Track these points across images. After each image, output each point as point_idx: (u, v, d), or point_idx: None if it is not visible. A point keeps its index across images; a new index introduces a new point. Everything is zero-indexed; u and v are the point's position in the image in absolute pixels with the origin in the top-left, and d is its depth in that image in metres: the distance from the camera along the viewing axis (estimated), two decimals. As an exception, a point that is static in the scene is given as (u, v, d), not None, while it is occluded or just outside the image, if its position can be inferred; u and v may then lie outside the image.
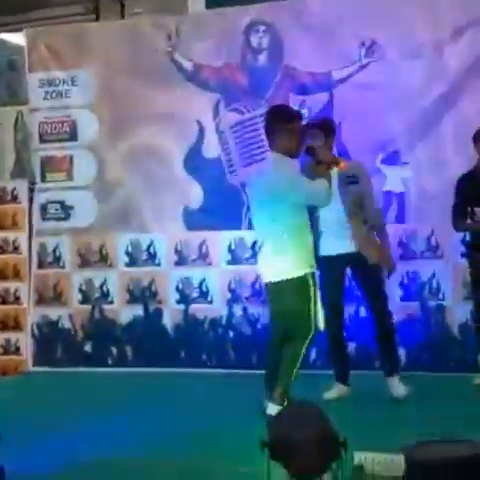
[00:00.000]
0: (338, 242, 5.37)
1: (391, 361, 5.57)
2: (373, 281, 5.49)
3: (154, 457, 3.95)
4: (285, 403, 4.47)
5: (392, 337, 5.57)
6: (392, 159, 6.65)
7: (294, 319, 4.79)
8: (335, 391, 5.50)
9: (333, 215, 5.33)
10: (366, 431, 4.04)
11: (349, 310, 6.37)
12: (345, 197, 5.38)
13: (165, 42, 7.30)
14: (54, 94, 7.63)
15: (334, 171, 5.28)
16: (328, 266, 5.34)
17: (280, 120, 4.98)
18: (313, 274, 4.85)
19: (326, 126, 5.54)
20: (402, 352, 6.21)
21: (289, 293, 4.80)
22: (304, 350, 4.79)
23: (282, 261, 4.79)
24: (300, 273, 4.78)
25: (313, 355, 6.41)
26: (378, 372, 5.86)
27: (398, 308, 6.28)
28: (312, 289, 4.79)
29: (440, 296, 6.54)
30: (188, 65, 7.25)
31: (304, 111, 6.79)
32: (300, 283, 4.77)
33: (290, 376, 4.76)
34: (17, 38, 9.63)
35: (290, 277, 4.77)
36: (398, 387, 5.42)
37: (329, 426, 3.19)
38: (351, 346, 6.39)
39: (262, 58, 7.14)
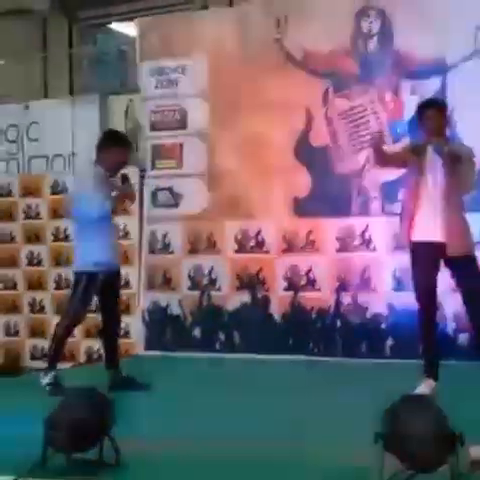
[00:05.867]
0: (433, 228, 5.08)
1: None
2: (464, 273, 5.11)
3: (261, 442, 3.94)
4: None
5: None
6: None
7: None
8: (426, 387, 5.01)
9: (432, 198, 5.10)
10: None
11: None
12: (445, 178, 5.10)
13: (274, 29, 7.29)
14: (165, 83, 7.75)
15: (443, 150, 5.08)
16: (422, 251, 5.14)
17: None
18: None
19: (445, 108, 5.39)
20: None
21: None
22: None
23: None
24: None
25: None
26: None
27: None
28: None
29: None
30: (297, 52, 7.22)
31: (415, 97, 6.71)
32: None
33: None
34: (127, 28, 9.84)
35: None
36: None
37: (445, 419, 3.13)
38: (463, 337, 6.28)
39: (372, 43, 7.05)
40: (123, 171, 5.77)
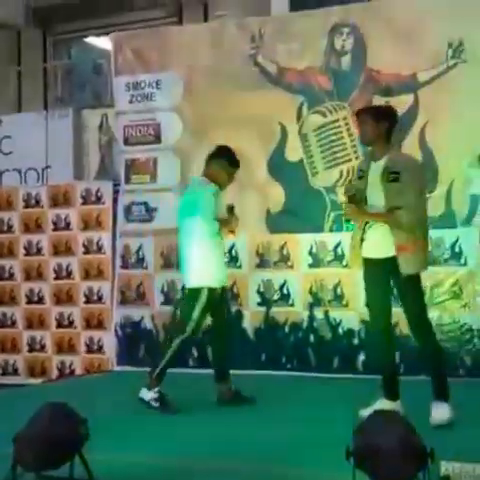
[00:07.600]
0: (379, 245, 4.74)
1: (437, 383, 4.74)
2: (408, 292, 4.75)
3: (233, 459, 3.92)
4: None
5: (436, 359, 4.81)
6: (479, 162, 6.51)
7: None
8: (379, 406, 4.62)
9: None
10: (450, 440, 3.95)
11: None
12: (386, 194, 4.67)
13: (248, 44, 7.33)
14: (139, 97, 7.76)
15: (380, 163, 4.72)
16: (370, 269, 4.85)
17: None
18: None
19: (376, 111, 4.88)
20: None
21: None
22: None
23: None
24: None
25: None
26: (461, 379, 5.74)
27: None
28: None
29: None
30: (271, 68, 7.26)
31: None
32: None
33: None
34: (102, 42, 9.83)
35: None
36: (441, 412, 4.56)
37: (415, 435, 3.14)
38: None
39: (346, 60, 7.10)
40: (229, 203, 5.68)
